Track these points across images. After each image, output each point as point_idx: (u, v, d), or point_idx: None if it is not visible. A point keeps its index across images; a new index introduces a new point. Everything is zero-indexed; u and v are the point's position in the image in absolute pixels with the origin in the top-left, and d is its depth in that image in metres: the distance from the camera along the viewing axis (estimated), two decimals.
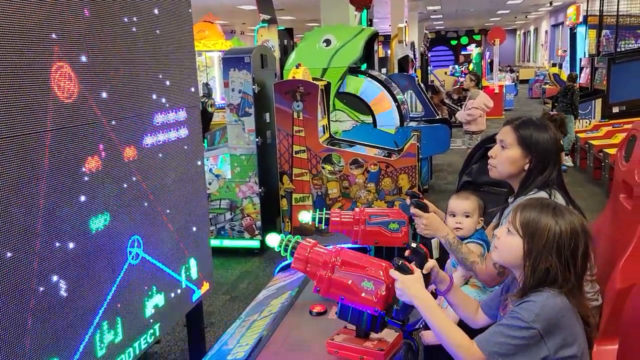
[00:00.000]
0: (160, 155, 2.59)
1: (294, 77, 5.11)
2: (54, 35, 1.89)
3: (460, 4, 19.96)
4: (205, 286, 3.09)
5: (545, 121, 2.12)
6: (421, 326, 1.89)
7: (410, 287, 1.54)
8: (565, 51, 18.25)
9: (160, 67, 2.58)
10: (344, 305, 1.62)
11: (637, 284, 1.88)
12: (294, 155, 5.04)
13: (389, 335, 1.64)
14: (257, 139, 5.11)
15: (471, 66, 20.22)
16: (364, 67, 6.97)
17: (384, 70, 8.95)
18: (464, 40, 32.92)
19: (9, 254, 1.70)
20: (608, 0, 10.26)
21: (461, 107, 9.05)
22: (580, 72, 12.13)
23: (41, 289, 1.83)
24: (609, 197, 2.71)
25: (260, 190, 5.19)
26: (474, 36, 32.91)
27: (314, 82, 5.06)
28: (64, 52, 1.93)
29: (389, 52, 11.54)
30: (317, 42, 6.44)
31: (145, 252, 2.44)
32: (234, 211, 5.26)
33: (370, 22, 10.38)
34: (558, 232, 1.49)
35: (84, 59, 2.03)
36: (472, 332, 1.59)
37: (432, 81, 13.87)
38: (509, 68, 25.11)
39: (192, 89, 2.92)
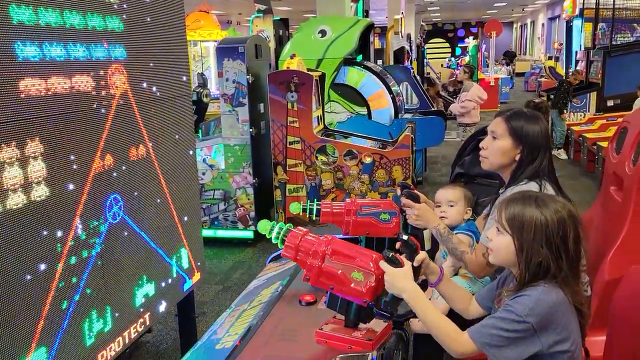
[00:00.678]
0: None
1: (288, 67, 5.09)
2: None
3: None
4: (197, 276, 3.09)
5: (536, 112, 2.12)
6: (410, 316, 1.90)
7: (399, 280, 1.54)
8: (561, 44, 18.23)
9: (151, 56, 2.56)
10: (333, 295, 1.62)
11: (625, 276, 1.89)
12: (288, 146, 5.02)
13: (378, 325, 1.64)
14: (251, 130, 5.09)
15: (467, 59, 20.18)
16: (359, 58, 6.95)
17: (379, 62, 8.93)
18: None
19: None
20: None
21: (457, 100, 9.05)
22: (576, 65, 12.13)
23: (28, 277, 1.82)
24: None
25: (254, 180, 5.18)
26: (470, 28, 32.84)
27: (309, 72, 5.04)
28: (54, 40, 1.91)
29: (384, 43, 11.49)
30: (313, 32, 6.42)
31: (125, 214, 2.37)
32: (227, 201, 5.25)
33: (366, 13, 10.33)
34: (544, 221, 1.49)
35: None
36: (464, 323, 1.60)
37: (428, 73, 13.84)
38: (509, 55, 25.16)
39: (184, 78, 2.90)
